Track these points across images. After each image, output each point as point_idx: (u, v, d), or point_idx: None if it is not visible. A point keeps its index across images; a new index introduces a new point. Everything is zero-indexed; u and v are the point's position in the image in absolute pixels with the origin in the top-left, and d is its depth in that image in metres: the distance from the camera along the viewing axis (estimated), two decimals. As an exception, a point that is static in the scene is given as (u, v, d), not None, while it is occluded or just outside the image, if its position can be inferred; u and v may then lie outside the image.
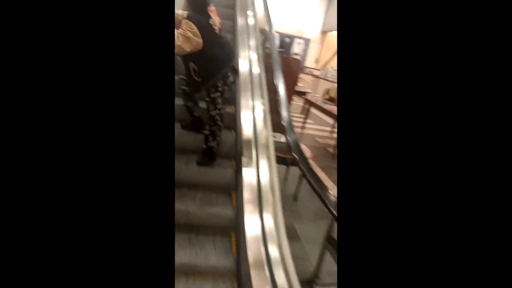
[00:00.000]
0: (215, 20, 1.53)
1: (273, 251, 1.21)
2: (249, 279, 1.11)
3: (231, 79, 1.62)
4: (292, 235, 2.11)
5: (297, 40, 9.89)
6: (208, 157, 1.66)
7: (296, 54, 9.78)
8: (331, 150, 3.95)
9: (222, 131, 1.70)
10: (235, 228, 1.51)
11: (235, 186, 1.66)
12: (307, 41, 10.07)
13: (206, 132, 1.64)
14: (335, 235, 1.61)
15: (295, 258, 1.20)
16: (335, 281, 1.58)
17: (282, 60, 2.43)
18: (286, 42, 9.65)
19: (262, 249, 1.20)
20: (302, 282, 1.13)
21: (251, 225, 1.29)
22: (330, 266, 1.62)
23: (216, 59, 1.52)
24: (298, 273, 1.14)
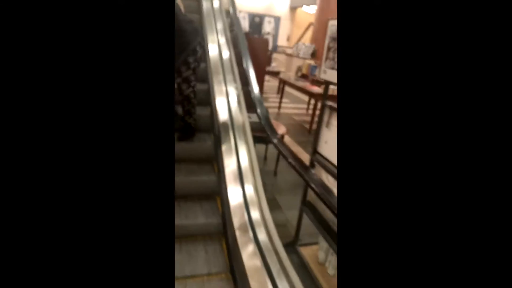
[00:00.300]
0: (178, 0, 1.59)
1: (255, 215, 1.36)
2: (235, 240, 1.25)
3: (199, 54, 1.68)
4: (274, 205, 2.29)
5: (267, 19, 9.75)
6: (187, 133, 1.77)
7: (268, 33, 9.68)
8: (306, 126, 4.13)
9: (196, 107, 1.80)
10: (220, 194, 1.65)
11: (215, 156, 1.77)
12: (277, 20, 9.96)
13: (180, 112, 1.72)
14: (309, 198, 1.80)
15: (277, 225, 1.35)
16: (314, 240, 1.78)
17: (250, 41, 2.47)
18: (256, 22, 9.48)
19: (245, 214, 1.34)
20: (285, 244, 1.28)
21: (234, 195, 1.42)
22: (309, 228, 1.81)
23: (184, 34, 1.58)
24: (281, 237, 1.29)
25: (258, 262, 1.18)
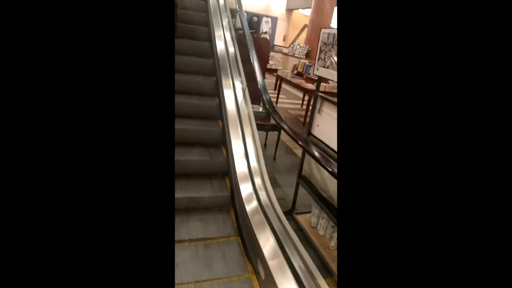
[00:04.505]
0: None
1: (257, 181, 1.67)
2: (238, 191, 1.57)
3: None
4: (274, 183, 2.61)
5: (265, 19, 10.07)
6: None
7: (265, 32, 10.01)
8: (301, 119, 4.47)
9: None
10: (228, 173, 1.95)
11: (223, 141, 2.10)
12: (274, 20, 10.28)
13: None
14: (304, 173, 2.12)
15: (277, 199, 1.64)
16: (308, 210, 2.14)
17: (253, 39, 2.80)
18: (254, 21, 9.79)
19: (249, 181, 1.66)
20: (284, 213, 1.58)
21: (240, 167, 1.74)
22: (304, 200, 2.14)
23: None
24: (282, 208, 1.59)
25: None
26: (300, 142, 1.57)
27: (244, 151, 1.86)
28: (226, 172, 2.01)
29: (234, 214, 1.80)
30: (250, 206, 1.56)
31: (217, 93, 2.38)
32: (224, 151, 2.08)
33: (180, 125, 2.02)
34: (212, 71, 2.50)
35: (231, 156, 1.87)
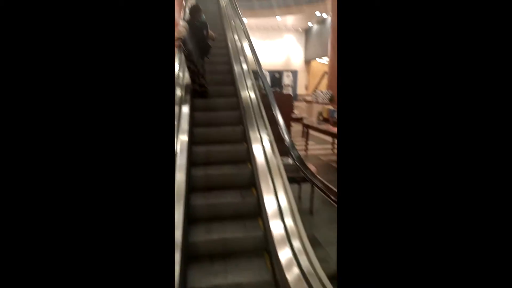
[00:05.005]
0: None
1: (296, 244, 1.52)
2: (277, 258, 1.40)
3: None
4: (314, 242, 2.37)
5: (285, 73, 10.86)
6: (203, 89, 2.83)
7: (288, 85, 10.66)
8: (333, 164, 4.29)
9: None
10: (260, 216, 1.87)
11: (254, 182, 2.10)
12: (294, 73, 11.02)
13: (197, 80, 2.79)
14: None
15: (320, 260, 1.47)
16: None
17: (276, 95, 2.95)
18: (276, 77, 10.61)
19: (287, 242, 1.51)
20: (330, 278, 1.39)
21: (276, 229, 1.62)
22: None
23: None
24: (326, 274, 1.41)
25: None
26: (333, 198, 1.44)
27: (278, 210, 1.75)
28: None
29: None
30: (291, 275, 1.39)
31: (245, 140, 2.44)
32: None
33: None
34: (240, 122, 2.66)
35: (265, 216, 1.77)
